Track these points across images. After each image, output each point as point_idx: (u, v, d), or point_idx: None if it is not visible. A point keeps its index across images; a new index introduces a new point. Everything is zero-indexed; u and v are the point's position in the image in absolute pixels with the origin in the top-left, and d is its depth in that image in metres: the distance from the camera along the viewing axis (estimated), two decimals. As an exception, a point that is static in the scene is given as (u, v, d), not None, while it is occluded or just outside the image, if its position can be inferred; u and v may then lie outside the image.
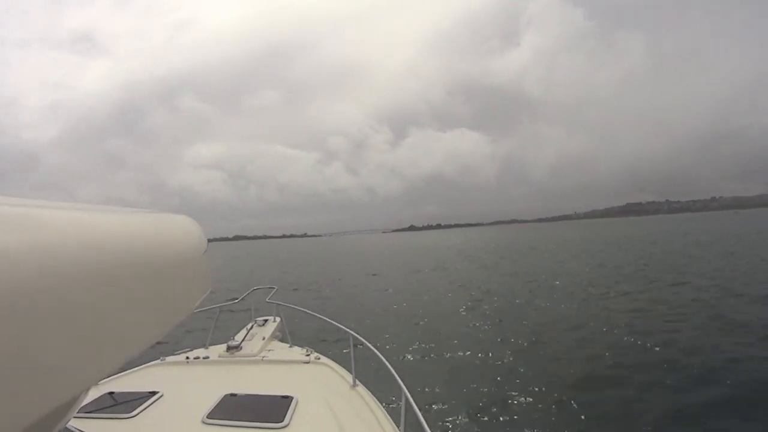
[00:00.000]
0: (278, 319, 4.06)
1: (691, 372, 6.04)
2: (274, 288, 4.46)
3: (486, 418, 5.02)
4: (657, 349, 7.14)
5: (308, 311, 3.97)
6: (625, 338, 7.88)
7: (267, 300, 4.23)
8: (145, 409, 2.29)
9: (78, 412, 0.77)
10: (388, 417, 2.45)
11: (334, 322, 3.47)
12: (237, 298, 4.07)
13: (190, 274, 0.91)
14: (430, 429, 1.85)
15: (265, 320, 4.00)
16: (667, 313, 9.75)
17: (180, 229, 0.93)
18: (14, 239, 0.46)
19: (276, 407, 2.32)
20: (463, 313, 11.26)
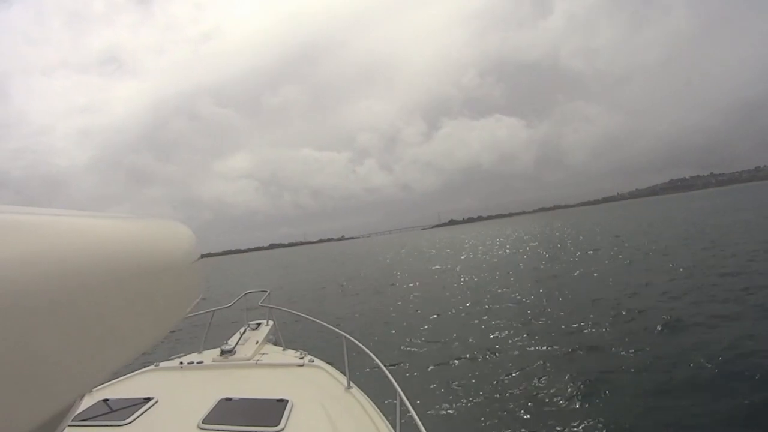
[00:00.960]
0: (271, 322, 4.11)
1: None
2: (266, 291, 4.49)
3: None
4: None
5: (301, 314, 4.03)
6: None
7: (259, 303, 4.28)
8: (140, 415, 2.33)
9: (72, 420, 0.80)
10: (384, 418, 2.46)
11: (327, 324, 3.49)
12: (229, 303, 4.12)
13: (182, 279, 0.91)
14: (426, 430, 1.85)
15: (258, 324, 4.06)
16: None
17: (172, 235, 0.94)
18: (4, 247, 0.46)
19: (271, 411, 2.34)
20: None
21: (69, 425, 0.66)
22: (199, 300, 1.01)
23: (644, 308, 9.02)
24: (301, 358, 3.40)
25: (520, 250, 28.62)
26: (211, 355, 3.45)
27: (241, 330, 3.87)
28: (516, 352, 7.40)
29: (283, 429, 2.17)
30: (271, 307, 4.22)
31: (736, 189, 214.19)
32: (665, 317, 7.98)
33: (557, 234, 41.35)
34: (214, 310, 4.03)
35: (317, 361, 3.33)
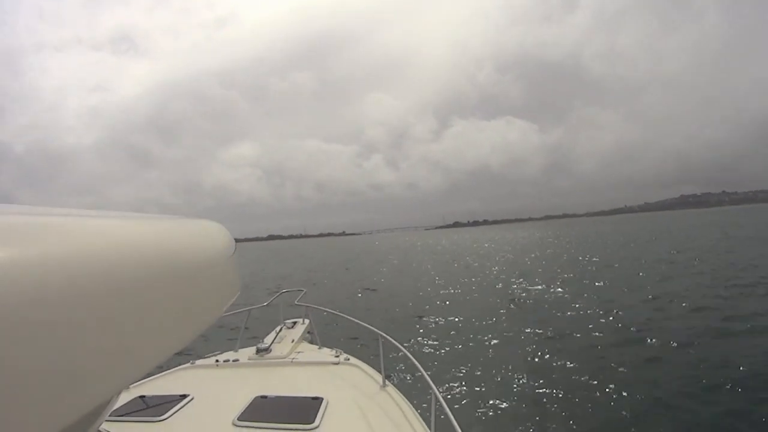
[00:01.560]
0: (307, 320, 4.13)
1: None
2: (303, 290, 4.54)
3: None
4: None
5: (337, 312, 4.08)
6: None
7: (296, 302, 4.32)
8: (175, 412, 2.36)
9: (110, 416, 0.81)
10: (419, 417, 2.47)
11: (363, 323, 3.52)
12: (266, 302, 4.17)
13: (218, 277, 0.93)
14: (461, 429, 1.84)
15: (294, 322, 4.09)
16: None
17: (207, 234, 0.97)
18: (46, 247, 0.49)
19: (306, 409, 2.36)
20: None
21: (106, 420, 0.70)
22: (236, 297, 1.03)
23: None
24: (337, 356, 3.43)
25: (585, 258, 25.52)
26: (246, 353, 3.49)
27: (277, 328, 3.89)
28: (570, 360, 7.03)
29: (317, 427, 2.18)
30: (308, 306, 4.26)
31: (757, 208, 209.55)
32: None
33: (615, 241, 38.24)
34: (251, 309, 4.07)
35: (353, 360, 3.35)
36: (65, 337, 0.47)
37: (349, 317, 3.81)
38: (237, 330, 3.78)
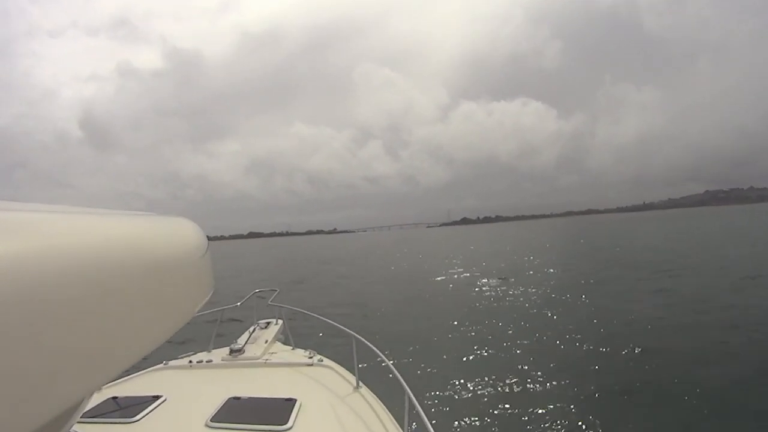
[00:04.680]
0: (280, 321, 4.34)
1: None
2: (276, 290, 4.72)
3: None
4: None
5: (310, 313, 4.27)
6: None
7: (269, 302, 4.52)
8: (148, 413, 2.47)
9: (81, 417, 0.88)
10: (392, 419, 2.61)
11: (337, 324, 3.69)
12: (239, 302, 4.26)
13: (190, 277, 0.95)
14: (434, 429, 1.95)
15: (268, 323, 4.29)
16: None
17: (179, 231, 0.98)
18: (12, 245, 0.49)
19: (279, 410, 2.47)
20: None
21: (78, 422, 0.74)
22: (209, 296, 1.05)
23: None
24: (310, 357, 3.58)
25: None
26: (220, 353, 3.65)
27: (251, 329, 4.07)
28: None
29: (291, 428, 2.28)
30: (281, 306, 4.45)
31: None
32: None
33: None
34: (223, 309, 4.26)
35: (326, 361, 3.50)
36: (34, 337, 0.47)
37: (322, 318, 4.00)
38: (210, 330, 3.87)
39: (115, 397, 2.60)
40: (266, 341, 3.80)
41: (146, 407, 2.48)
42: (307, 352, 3.66)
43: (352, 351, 3.16)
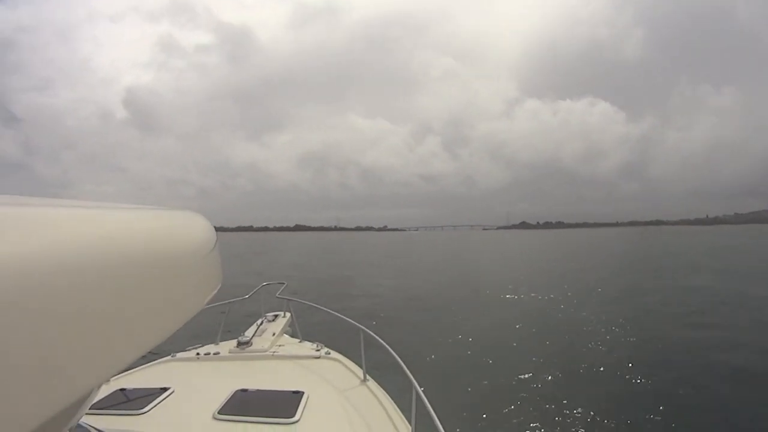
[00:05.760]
0: (288, 314, 4.38)
1: None
2: (284, 283, 4.79)
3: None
4: None
5: (318, 306, 4.28)
6: None
7: (277, 295, 4.57)
8: (156, 405, 2.53)
9: (90, 409, 0.92)
10: (399, 411, 2.62)
11: (344, 317, 3.70)
12: (247, 295, 4.38)
13: (199, 270, 0.98)
14: (441, 423, 1.95)
15: (275, 315, 4.34)
16: None
17: (187, 225, 1.01)
18: (24, 239, 0.51)
19: (287, 402, 2.49)
20: None
21: (86, 413, 0.79)
22: (217, 290, 1.08)
23: None
24: (318, 350, 3.61)
25: None
26: (227, 346, 3.73)
27: (258, 321, 4.14)
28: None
29: (298, 421, 2.30)
30: (289, 299, 4.51)
31: None
32: None
33: None
34: (231, 302, 4.34)
35: (334, 354, 3.53)
36: (44, 330, 0.49)
37: (330, 311, 4.02)
38: (218, 323, 3.94)
39: (123, 389, 2.66)
40: (274, 334, 3.84)
41: (154, 399, 2.53)
42: (315, 345, 3.70)
43: (360, 344, 3.16)
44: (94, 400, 0.87)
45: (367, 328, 3.29)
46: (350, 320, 3.51)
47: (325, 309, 4.07)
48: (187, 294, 0.90)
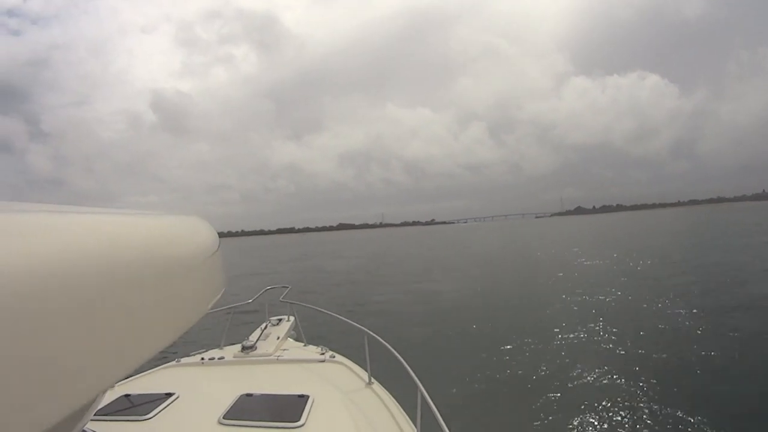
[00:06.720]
0: (292, 318, 4.38)
1: None
2: (287, 287, 4.80)
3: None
4: None
5: (322, 309, 4.26)
6: None
7: (280, 299, 4.58)
8: (161, 410, 2.54)
9: (95, 415, 0.99)
10: (405, 414, 2.59)
11: (349, 320, 3.67)
12: (251, 299, 4.47)
13: (203, 274, 0.98)
14: (447, 426, 1.93)
15: (279, 320, 4.34)
16: None
17: (190, 230, 1.02)
18: (30, 246, 0.51)
19: (292, 406, 2.48)
20: None
21: (91, 419, 0.82)
22: (221, 294, 1.08)
23: None
24: (322, 353, 3.59)
25: None
26: (232, 350, 3.75)
27: (262, 326, 4.16)
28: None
29: (303, 424, 2.27)
30: (293, 303, 4.51)
31: None
32: None
33: None
34: (235, 306, 4.38)
35: (338, 357, 3.50)
36: (49, 336, 0.49)
37: (334, 314, 3.98)
38: (222, 327, 4.00)
39: (127, 395, 2.68)
40: (278, 338, 3.83)
41: (159, 405, 2.53)
42: (319, 349, 3.68)
43: (365, 347, 3.13)
44: (99, 406, 0.91)
45: (371, 330, 3.22)
46: (354, 323, 3.47)
47: (330, 313, 4.03)
48: (191, 299, 0.90)
